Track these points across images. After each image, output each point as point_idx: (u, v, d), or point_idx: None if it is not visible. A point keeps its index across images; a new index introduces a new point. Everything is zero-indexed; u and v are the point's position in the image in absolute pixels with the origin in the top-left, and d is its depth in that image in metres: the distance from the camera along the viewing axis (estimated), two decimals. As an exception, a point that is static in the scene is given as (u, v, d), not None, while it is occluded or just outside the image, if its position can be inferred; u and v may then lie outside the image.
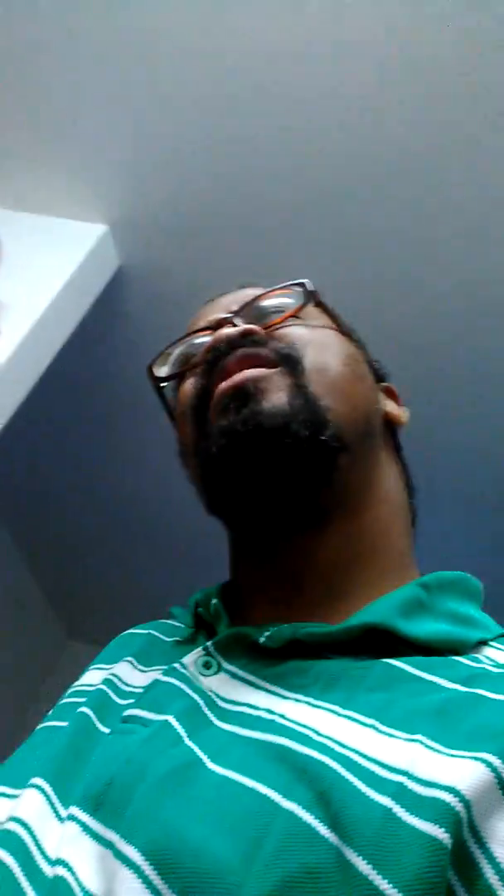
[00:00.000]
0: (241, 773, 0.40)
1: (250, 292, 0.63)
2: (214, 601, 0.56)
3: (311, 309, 0.61)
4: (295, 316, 0.59)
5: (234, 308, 0.60)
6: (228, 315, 0.59)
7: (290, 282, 0.62)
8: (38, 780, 0.46)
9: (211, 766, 0.41)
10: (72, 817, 0.42)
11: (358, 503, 0.55)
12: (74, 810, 0.42)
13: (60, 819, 0.43)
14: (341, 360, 0.56)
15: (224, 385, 0.52)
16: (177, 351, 0.64)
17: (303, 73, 1.08)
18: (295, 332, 0.57)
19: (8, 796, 0.47)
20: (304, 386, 0.52)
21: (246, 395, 0.51)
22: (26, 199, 1.39)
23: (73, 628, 2.62)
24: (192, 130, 1.20)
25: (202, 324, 0.63)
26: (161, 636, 0.63)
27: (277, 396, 0.51)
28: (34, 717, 2.05)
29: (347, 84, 1.08)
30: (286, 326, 0.58)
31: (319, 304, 0.62)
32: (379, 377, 0.65)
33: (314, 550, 0.54)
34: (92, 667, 0.63)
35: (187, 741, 0.44)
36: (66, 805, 0.44)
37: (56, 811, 0.44)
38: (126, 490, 1.95)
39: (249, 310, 0.60)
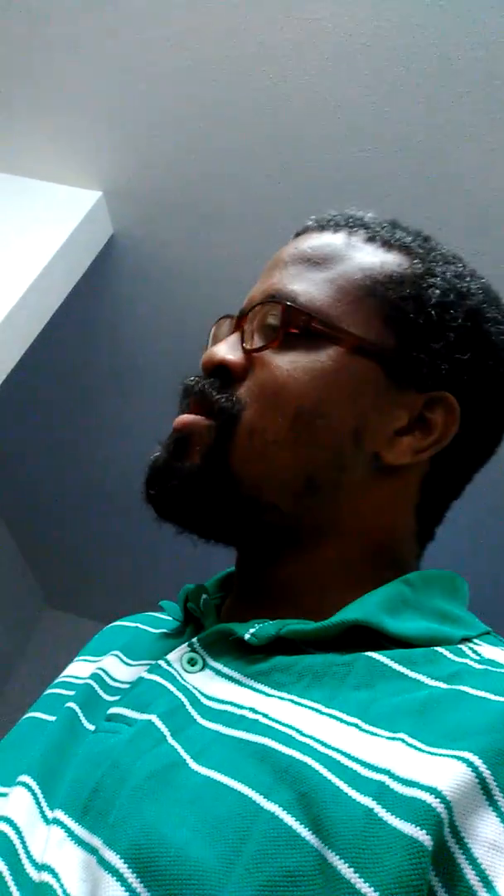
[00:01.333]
0: (223, 773, 0.40)
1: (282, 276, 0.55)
2: (205, 596, 0.56)
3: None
4: (295, 330, 0.52)
5: (250, 303, 0.55)
6: (245, 311, 0.56)
7: (275, 300, 0.53)
8: (26, 779, 0.46)
9: (193, 766, 0.41)
10: (57, 822, 0.41)
11: (311, 544, 0.53)
12: (60, 814, 0.42)
13: (47, 821, 0.43)
14: (289, 421, 0.51)
15: (174, 423, 0.54)
16: (212, 331, 0.61)
17: (302, 43, 1.07)
18: (260, 377, 0.52)
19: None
20: (221, 451, 0.51)
21: (171, 442, 0.53)
22: (21, 163, 1.37)
23: (53, 597, 2.62)
24: (189, 97, 1.18)
25: (245, 302, 0.58)
26: (148, 629, 0.63)
27: (189, 456, 0.52)
28: (13, 683, 2.04)
29: (345, 56, 1.06)
30: (270, 357, 0.52)
31: (311, 324, 0.52)
32: (429, 383, 0.53)
33: (277, 574, 0.54)
34: (79, 658, 0.62)
35: (170, 740, 0.43)
36: (52, 806, 0.43)
37: (43, 812, 0.44)
38: (111, 460, 1.95)
39: (261, 308, 0.54)
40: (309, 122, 1.15)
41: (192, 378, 0.55)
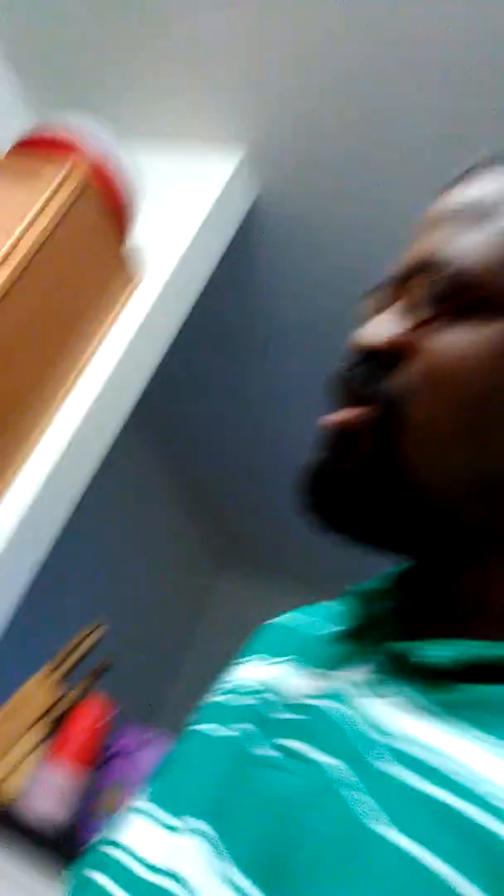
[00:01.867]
0: (412, 840, 0.35)
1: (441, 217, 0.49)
2: (379, 603, 0.51)
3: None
4: (455, 302, 0.46)
5: (401, 271, 0.49)
6: (396, 281, 0.49)
7: (429, 267, 0.47)
8: (197, 824, 0.43)
9: (378, 828, 0.36)
10: (233, 885, 0.38)
11: (498, 551, 0.47)
12: (236, 876, 0.38)
13: (219, 880, 0.39)
14: (458, 411, 0.45)
15: (323, 422, 0.49)
16: (360, 307, 0.57)
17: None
18: (420, 360, 0.46)
19: (167, 827, 0.45)
20: (387, 450, 0.46)
21: (328, 442, 0.48)
22: (161, 124, 1.37)
23: (223, 562, 2.70)
24: (336, 43, 1.11)
25: (395, 270, 0.51)
26: (313, 630, 0.58)
27: (352, 457, 0.47)
28: (193, 649, 2.12)
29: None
30: (431, 335, 0.47)
31: (474, 293, 0.46)
32: None
33: (461, 585, 0.48)
34: (240, 661, 0.59)
35: (350, 791, 0.39)
36: (224, 859, 0.40)
37: (216, 869, 0.40)
38: (279, 426, 1.96)
39: (418, 277, 0.48)
40: (484, 68, 1.05)
41: (342, 364, 0.50)
